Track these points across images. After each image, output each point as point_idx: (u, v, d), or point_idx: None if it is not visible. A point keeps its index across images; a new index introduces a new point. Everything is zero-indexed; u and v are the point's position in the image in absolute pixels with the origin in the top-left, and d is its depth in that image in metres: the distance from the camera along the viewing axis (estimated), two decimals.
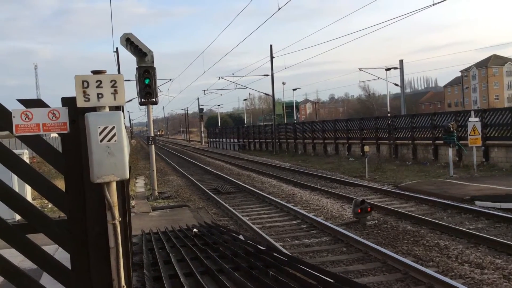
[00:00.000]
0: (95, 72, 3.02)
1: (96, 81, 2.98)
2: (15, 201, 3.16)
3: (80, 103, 2.97)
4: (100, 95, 3.00)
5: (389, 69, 41.16)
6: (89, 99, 2.97)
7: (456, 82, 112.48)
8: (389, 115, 35.67)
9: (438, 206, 12.27)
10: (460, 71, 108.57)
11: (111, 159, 2.92)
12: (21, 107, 3.15)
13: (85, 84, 2.97)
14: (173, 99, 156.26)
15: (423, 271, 6.89)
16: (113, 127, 2.93)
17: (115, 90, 3.02)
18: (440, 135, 22.14)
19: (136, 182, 21.97)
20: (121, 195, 3.20)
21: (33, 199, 14.29)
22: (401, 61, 37.38)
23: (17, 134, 3.08)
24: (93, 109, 3.03)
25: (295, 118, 68.74)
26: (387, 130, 28.23)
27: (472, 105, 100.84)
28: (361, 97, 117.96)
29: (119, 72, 35.96)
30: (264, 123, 66.28)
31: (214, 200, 15.59)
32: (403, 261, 7.44)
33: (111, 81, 3.01)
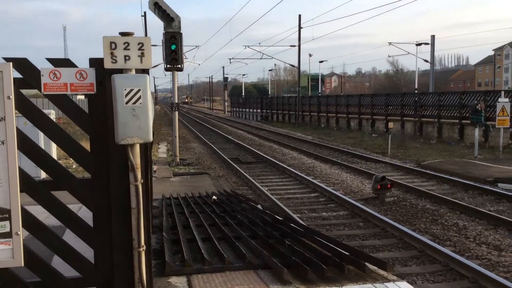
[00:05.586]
0: (123, 34, 3.02)
1: (124, 43, 2.98)
2: (43, 159, 3.25)
3: (108, 64, 2.99)
4: (127, 57, 3.00)
5: (419, 44, 40.23)
6: (116, 61, 2.98)
7: (488, 61, 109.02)
8: (416, 91, 35.03)
9: (459, 186, 12.14)
10: (493, 50, 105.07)
11: (136, 121, 2.96)
12: (50, 66, 3.19)
13: (113, 46, 2.97)
14: (198, 66, 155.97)
15: (439, 249, 6.89)
16: (139, 90, 2.94)
17: (142, 53, 3.02)
18: (467, 115, 21.69)
19: (159, 148, 22.26)
20: (144, 158, 3.25)
21: (58, 159, 14.63)
22: (433, 37, 36.40)
23: (45, 93, 3.13)
24: (120, 71, 3.05)
25: (319, 91, 68.00)
26: (413, 107, 27.79)
27: (503, 85, 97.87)
28: (388, 72, 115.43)
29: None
30: (288, 95, 65.87)
31: (234, 169, 15.73)
32: (419, 239, 7.44)
33: (138, 44, 3.00)
